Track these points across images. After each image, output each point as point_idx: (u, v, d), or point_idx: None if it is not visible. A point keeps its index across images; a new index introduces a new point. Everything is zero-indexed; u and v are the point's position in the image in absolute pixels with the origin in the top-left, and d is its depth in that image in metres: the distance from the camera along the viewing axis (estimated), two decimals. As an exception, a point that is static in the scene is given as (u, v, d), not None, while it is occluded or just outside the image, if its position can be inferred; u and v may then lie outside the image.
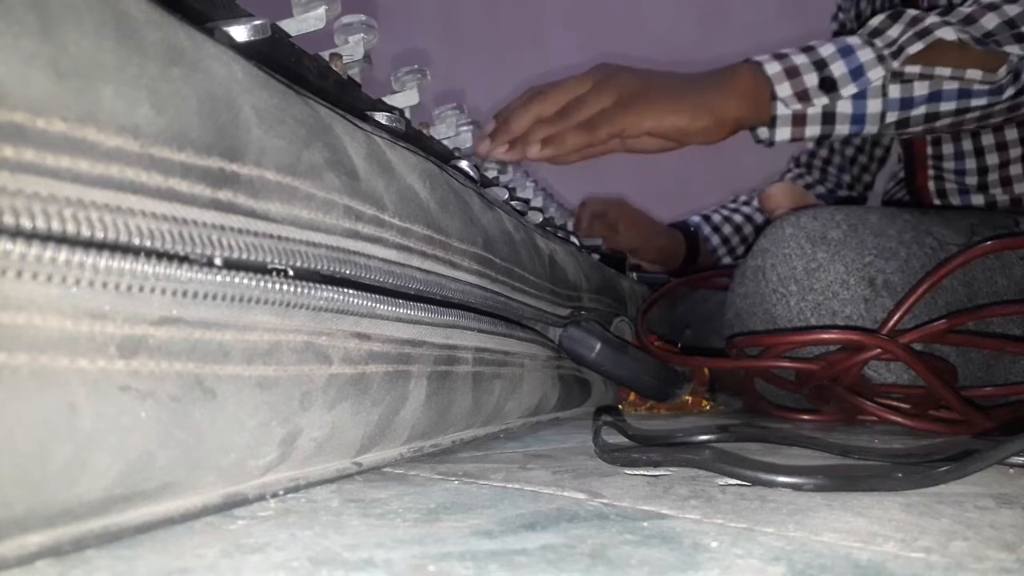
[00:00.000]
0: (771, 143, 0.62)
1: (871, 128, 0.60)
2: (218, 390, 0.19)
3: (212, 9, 0.25)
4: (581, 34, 1.65)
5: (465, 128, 0.46)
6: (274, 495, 0.24)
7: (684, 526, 0.22)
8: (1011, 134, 0.79)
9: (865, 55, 0.58)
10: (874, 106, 0.59)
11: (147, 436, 0.17)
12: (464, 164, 0.41)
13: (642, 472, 0.30)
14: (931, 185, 0.85)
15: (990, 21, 0.58)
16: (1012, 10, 0.59)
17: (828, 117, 0.60)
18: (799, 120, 0.60)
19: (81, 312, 0.16)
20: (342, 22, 0.35)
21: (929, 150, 0.85)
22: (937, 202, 0.85)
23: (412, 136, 0.38)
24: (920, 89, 0.59)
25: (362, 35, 0.35)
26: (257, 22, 0.25)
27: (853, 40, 0.59)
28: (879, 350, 0.47)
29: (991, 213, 0.61)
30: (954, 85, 0.58)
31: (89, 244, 0.16)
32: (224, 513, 0.21)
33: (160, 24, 0.18)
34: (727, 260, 1.01)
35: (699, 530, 0.21)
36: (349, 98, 0.33)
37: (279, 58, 0.28)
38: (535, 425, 0.47)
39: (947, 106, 0.59)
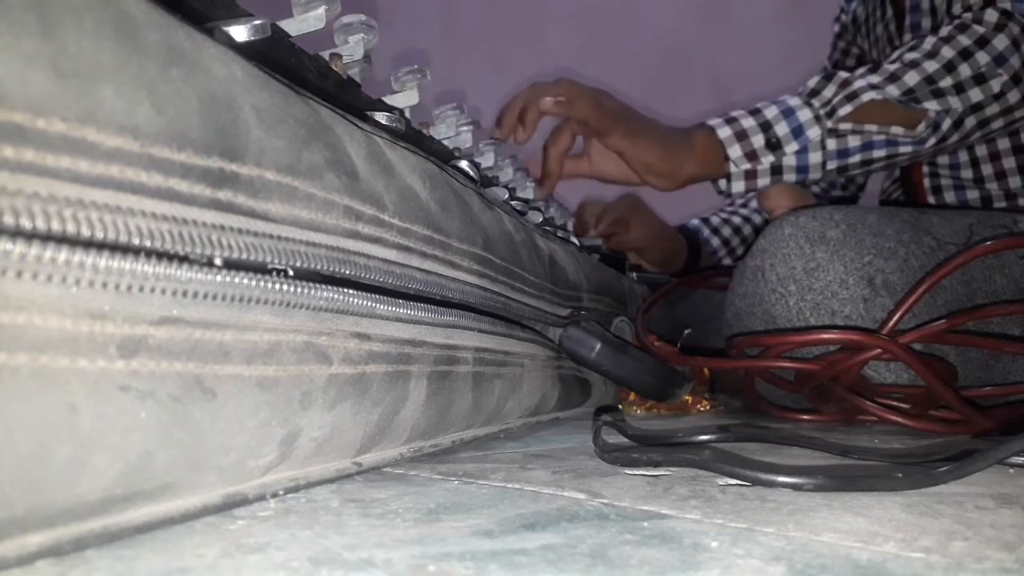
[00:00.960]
0: (728, 195, 0.70)
1: (815, 175, 0.68)
2: (218, 390, 0.19)
3: (212, 9, 0.25)
4: (581, 34, 1.65)
5: (465, 128, 0.46)
6: (274, 495, 0.24)
7: (684, 526, 0.22)
8: (1003, 144, 0.80)
9: (804, 115, 0.67)
10: (815, 158, 0.67)
11: (147, 436, 0.17)
12: (464, 164, 0.41)
13: (642, 472, 0.30)
14: (926, 182, 0.86)
15: (911, 79, 0.67)
16: (931, 67, 0.67)
17: (776, 169, 0.68)
18: (751, 175, 0.68)
19: (81, 312, 0.16)
20: (342, 22, 0.35)
21: None
22: (932, 198, 0.86)
23: (412, 136, 0.38)
24: (853, 141, 0.67)
25: (362, 35, 0.35)
26: (257, 22, 0.25)
27: (793, 101, 0.68)
28: (879, 350, 0.47)
29: (989, 212, 0.62)
30: (881, 137, 0.67)
31: (89, 244, 0.16)
32: (224, 513, 0.21)
33: (160, 24, 0.18)
34: (728, 262, 1.01)
35: (699, 530, 0.21)
36: (349, 98, 0.33)
37: (279, 58, 0.28)
38: (535, 425, 0.47)
39: (879, 153, 0.68)
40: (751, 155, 0.67)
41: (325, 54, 0.33)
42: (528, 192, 0.54)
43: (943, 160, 0.85)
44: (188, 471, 0.19)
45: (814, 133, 0.66)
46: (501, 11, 1.77)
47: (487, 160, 0.49)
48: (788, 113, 0.67)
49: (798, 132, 0.67)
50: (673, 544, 0.20)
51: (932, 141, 0.68)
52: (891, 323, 0.47)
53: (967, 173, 0.83)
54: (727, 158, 0.67)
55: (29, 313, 0.15)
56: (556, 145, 0.68)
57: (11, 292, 0.14)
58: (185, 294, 0.18)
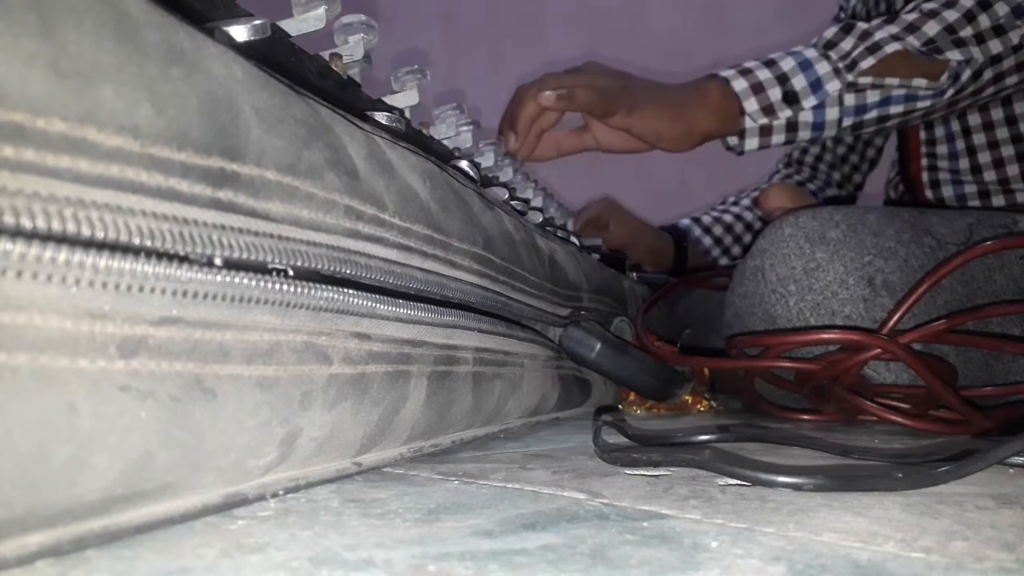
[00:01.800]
0: (740, 152, 0.67)
1: (829, 132, 0.66)
2: (218, 390, 0.19)
3: (212, 9, 0.25)
4: (581, 34, 1.65)
5: (465, 128, 0.46)
6: (274, 495, 0.24)
7: (684, 526, 0.22)
8: (996, 114, 0.80)
9: (822, 68, 0.64)
10: (832, 114, 0.64)
11: (147, 436, 0.17)
12: (464, 164, 0.41)
13: (642, 472, 0.30)
14: (924, 176, 0.86)
15: (931, 28, 0.64)
16: (951, 16, 0.65)
17: (791, 126, 0.65)
18: (766, 131, 0.65)
19: (81, 312, 0.16)
20: (342, 22, 0.35)
21: (922, 135, 0.86)
22: (930, 193, 0.86)
23: (412, 136, 0.38)
24: (872, 97, 0.64)
25: (362, 35, 0.35)
26: (257, 22, 0.25)
27: (810, 53, 0.64)
28: (879, 350, 0.47)
29: (989, 212, 0.62)
30: (901, 92, 0.64)
31: (89, 244, 0.16)
32: (224, 513, 0.21)
33: (160, 24, 0.18)
34: (722, 260, 1.01)
35: (699, 530, 0.21)
36: (349, 98, 0.33)
37: (279, 58, 0.28)
38: (535, 425, 0.47)
39: (896, 109, 0.65)
40: (768, 109, 0.64)
41: (325, 54, 0.33)
42: (528, 192, 0.54)
43: (941, 150, 0.85)
44: (188, 471, 0.19)
45: (833, 87, 0.63)
46: (501, 11, 1.77)
47: (487, 160, 0.49)
48: (805, 66, 0.64)
49: (816, 86, 0.63)
50: (673, 544, 0.20)
51: (950, 93, 0.65)
52: (891, 323, 0.47)
53: (964, 163, 0.83)
54: (743, 112, 0.64)
55: (29, 313, 0.15)
56: (524, 108, 0.64)
57: (11, 292, 0.14)
58: (185, 294, 0.18)
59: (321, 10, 0.30)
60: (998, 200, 0.82)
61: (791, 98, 0.64)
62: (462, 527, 0.21)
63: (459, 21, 1.83)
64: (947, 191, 0.85)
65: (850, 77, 0.63)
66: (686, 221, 1.03)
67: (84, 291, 0.16)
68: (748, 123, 0.65)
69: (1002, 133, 0.81)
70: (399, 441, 0.30)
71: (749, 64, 0.65)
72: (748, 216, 1.02)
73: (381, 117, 0.34)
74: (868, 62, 0.63)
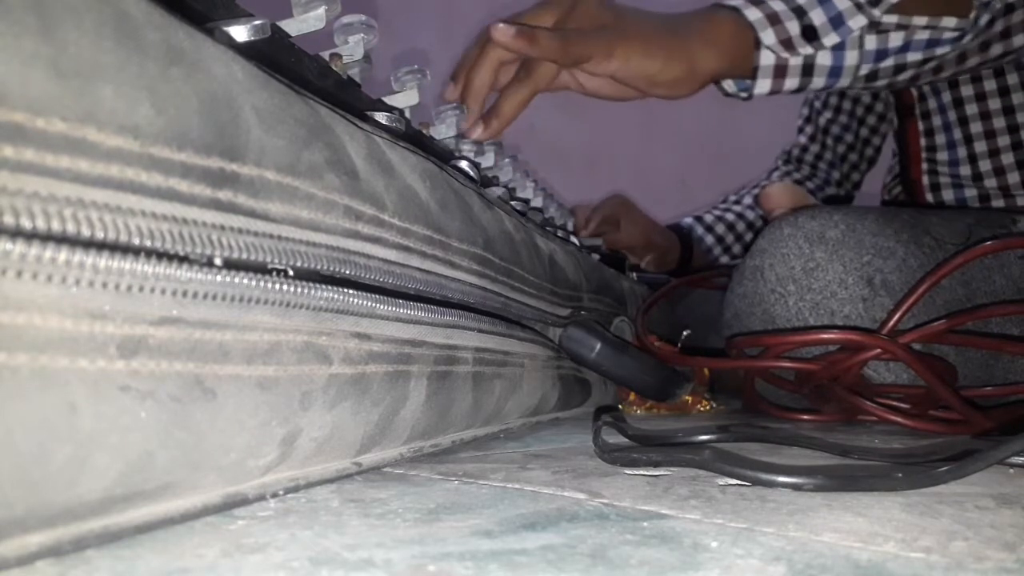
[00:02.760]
0: (749, 96, 0.59)
1: (844, 80, 0.58)
2: (218, 390, 0.19)
3: (212, 9, 0.25)
4: (581, 34, 1.65)
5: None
6: (274, 495, 0.24)
7: (684, 526, 0.22)
8: (999, 122, 0.80)
9: (842, 3, 0.56)
10: (851, 58, 0.57)
11: (147, 436, 0.17)
12: (464, 164, 0.41)
13: (642, 472, 0.30)
14: (925, 179, 0.86)
15: None
16: None
17: (807, 69, 0.57)
18: (780, 72, 0.57)
19: (81, 312, 0.16)
20: (342, 22, 0.35)
21: (922, 142, 0.86)
22: (930, 196, 0.86)
23: (412, 136, 0.38)
24: (894, 40, 0.57)
25: (362, 35, 0.35)
26: (257, 22, 0.25)
27: None
28: (879, 350, 0.47)
29: (988, 212, 0.62)
30: (925, 35, 0.57)
31: (89, 244, 0.16)
32: (224, 513, 0.21)
33: (160, 24, 0.18)
34: (723, 258, 1.01)
35: (699, 530, 0.21)
36: (349, 98, 0.33)
37: (279, 58, 0.28)
38: (535, 425, 0.47)
39: (914, 56, 0.58)
40: (787, 44, 0.55)
41: (325, 54, 0.33)
42: (528, 192, 0.54)
43: (942, 157, 0.85)
44: (188, 471, 0.19)
45: (856, 23, 0.55)
46: (501, 11, 1.77)
47: (487, 160, 0.49)
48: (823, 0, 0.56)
49: (837, 21, 0.55)
50: (673, 544, 0.20)
51: (969, 37, 0.58)
52: (891, 323, 0.47)
53: (965, 170, 0.83)
54: (759, 45, 0.55)
55: (29, 313, 0.15)
56: (514, 98, 0.52)
57: (11, 292, 0.14)
58: (185, 294, 0.18)
59: (321, 10, 0.30)
60: (998, 204, 0.83)
61: (810, 33, 0.55)
62: (462, 527, 0.21)
63: (459, 21, 1.83)
64: (948, 195, 0.85)
65: (876, 12, 0.55)
66: (688, 220, 1.03)
67: (84, 291, 0.16)
68: (764, 59, 0.55)
69: (1004, 141, 0.81)
70: (399, 441, 0.30)
71: None
72: (750, 215, 1.02)
73: (381, 117, 0.34)
74: None
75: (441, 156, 0.40)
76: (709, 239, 1.01)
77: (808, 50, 0.56)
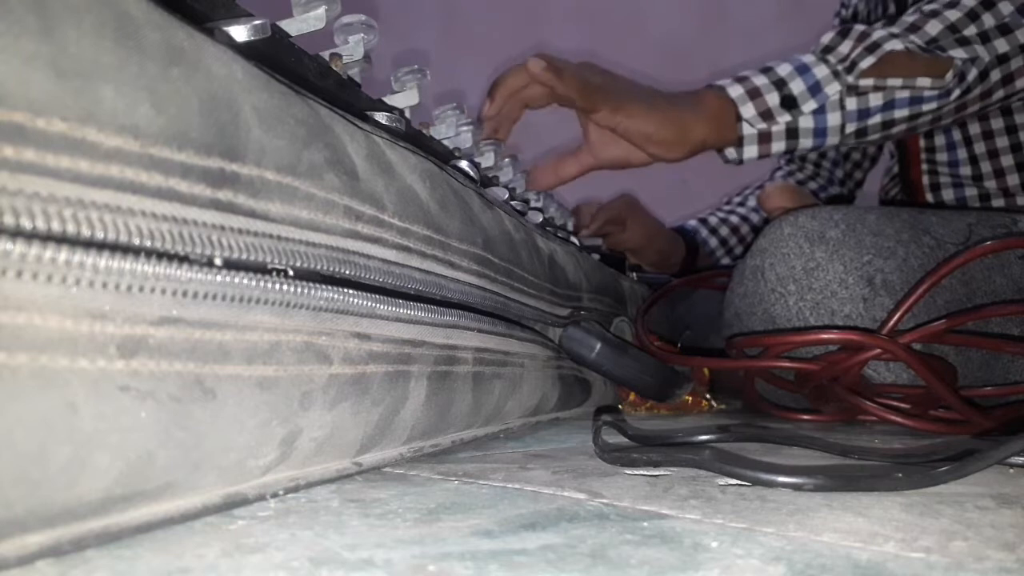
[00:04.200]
0: (740, 161, 0.65)
1: (832, 139, 0.63)
2: (218, 390, 0.19)
3: (212, 9, 0.25)
4: (581, 35, 1.65)
5: (465, 128, 0.46)
6: (274, 495, 0.24)
7: (684, 526, 0.22)
8: (997, 123, 0.80)
9: (820, 72, 0.62)
10: (834, 119, 0.62)
11: (147, 436, 0.17)
12: (464, 164, 0.41)
13: (642, 472, 0.30)
14: (925, 179, 0.86)
15: (933, 28, 0.63)
16: (952, 15, 0.63)
17: (792, 132, 0.63)
18: (764, 138, 0.63)
19: (81, 312, 0.16)
20: (342, 22, 0.35)
21: (922, 142, 0.86)
22: (930, 196, 0.86)
23: (412, 136, 0.38)
24: (875, 100, 0.62)
25: (362, 35, 0.35)
26: (257, 22, 0.25)
27: (807, 58, 0.63)
28: (879, 350, 0.47)
29: (988, 212, 0.62)
30: (905, 94, 0.62)
31: (89, 244, 0.16)
32: (224, 513, 0.21)
33: (160, 24, 0.18)
34: (726, 261, 1.01)
35: (699, 530, 0.21)
36: (349, 98, 0.33)
37: (279, 58, 0.28)
38: (535, 425, 0.47)
39: (900, 113, 0.63)
40: (766, 114, 0.62)
41: (325, 54, 0.33)
42: (528, 192, 0.54)
43: (942, 158, 0.85)
44: (188, 471, 0.19)
45: (832, 90, 0.61)
46: (501, 11, 1.77)
47: (487, 160, 0.49)
48: (803, 70, 0.62)
49: (815, 89, 0.62)
50: (673, 544, 0.20)
51: (957, 93, 0.63)
52: (891, 323, 0.47)
53: (965, 171, 0.83)
54: (739, 118, 0.62)
55: (29, 313, 0.15)
56: (505, 85, 0.62)
57: (11, 292, 0.14)
58: (185, 294, 0.18)
59: (321, 10, 0.30)
60: (999, 204, 0.83)
61: (789, 102, 0.62)
62: (462, 527, 0.21)
63: (459, 21, 1.83)
64: (948, 194, 0.85)
65: (850, 79, 0.61)
66: (693, 223, 1.03)
67: (84, 291, 0.16)
68: (746, 129, 0.63)
69: (1002, 142, 0.81)
70: (399, 441, 0.30)
71: (745, 72, 0.64)
72: (755, 218, 1.02)
73: (381, 117, 0.34)
74: (868, 61, 0.61)
75: (441, 156, 0.40)
76: (713, 242, 1.01)
77: (787, 117, 0.62)
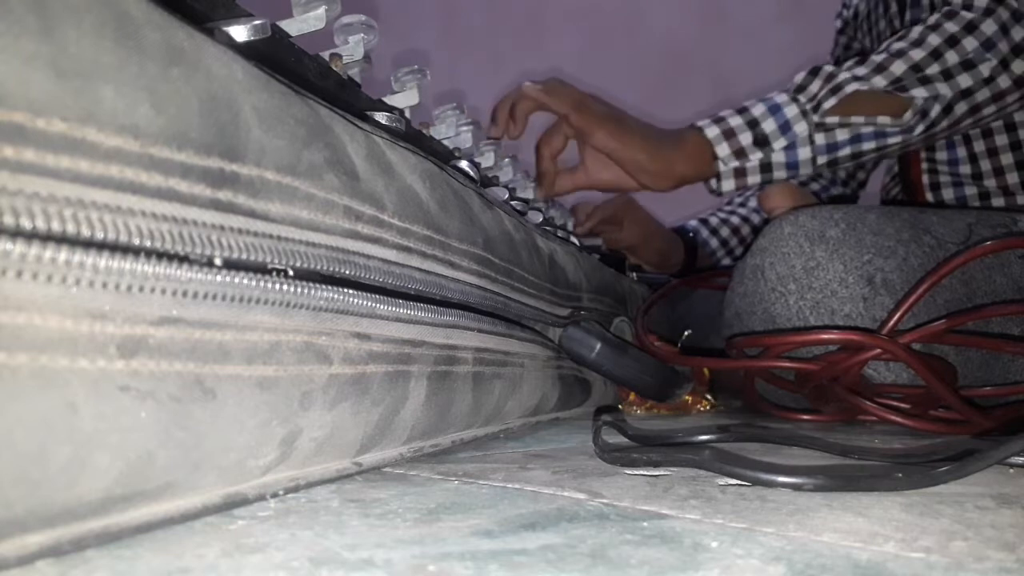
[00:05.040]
0: (719, 193, 0.70)
1: (805, 171, 0.69)
2: (218, 390, 0.19)
3: (212, 9, 0.25)
4: (581, 35, 1.65)
5: (465, 128, 0.46)
6: (274, 495, 0.24)
7: (684, 526, 0.22)
8: (996, 121, 0.80)
9: (790, 111, 0.68)
10: (804, 153, 0.68)
11: (147, 436, 0.17)
12: (464, 164, 0.41)
13: (642, 472, 0.30)
14: (925, 178, 0.86)
15: (898, 68, 0.67)
16: (917, 55, 0.68)
17: (765, 167, 0.68)
18: (740, 173, 0.69)
19: (81, 312, 0.16)
20: (342, 22, 0.35)
21: None
22: (930, 195, 0.86)
23: (412, 136, 0.38)
24: (841, 135, 0.68)
25: (362, 35, 0.35)
26: (257, 22, 0.25)
27: (780, 98, 0.69)
28: (879, 350, 0.47)
29: (988, 211, 0.62)
30: (869, 129, 0.67)
31: (89, 244, 0.16)
32: (224, 513, 0.21)
33: (160, 24, 0.18)
34: (727, 262, 1.01)
35: (699, 530, 0.21)
36: (349, 98, 0.33)
37: (279, 58, 0.28)
38: (535, 425, 0.47)
39: (868, 145, 0.68)
40: (739, 152, 0.68)
41: (325, 54, 0.33)
42: (528, 192, 0.54)
43: (941, 156, 0.85)
44: (188, 471, 0.19)
45: (801, 128, 0.67)
46: (501, 11, 1.77)
47: (487, 160, 0.49)
48: (775, 110, 0.68)
49: (785, 128, 0.67)
50: (673, 544, 0.20)
51: (920, 129, 0.68)
52: (891, 323, 0.47)
53: (965, 169, 0.83)
54: (715, 156, 0.68)
55: (29, 313, 0.15)
56: (548, 144, 0.69)
57: (11, 292, 0.14)
58: (185, 294, 0.18)
59: (321, 10, 0.30)
60: (998, 203, 0.82)
61: (761, 141, 0.67)
62: (462, 527, 0.21)
63: (459, 21, 1.83)
64: (947, 193, 0.85)
65: (816, 118, 0.67)
66: (693, 223, 1.03)
67: (84, 291, 0.16)
68: (722, 167, 0.68)
69: (1001, 140, 0.81)
70: (399, 441, 0.30)
71: (723, 113, 0.69)
72: (756, 219, 1.02)
73: (381, 117, 0.34)
74: (831, 102, 0.66)
75: (441, 156, 0.40)
76: (714, 242, 1.01)
77: (759, 155, 0.68)
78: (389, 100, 0.39)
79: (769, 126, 0.68)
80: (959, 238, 0.53)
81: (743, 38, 1.52)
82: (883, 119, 0.67)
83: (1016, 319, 0.51)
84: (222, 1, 0.25)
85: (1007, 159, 0.81)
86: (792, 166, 0.68)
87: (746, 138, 0.68)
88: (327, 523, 0.21)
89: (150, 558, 0.17)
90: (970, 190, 0.83)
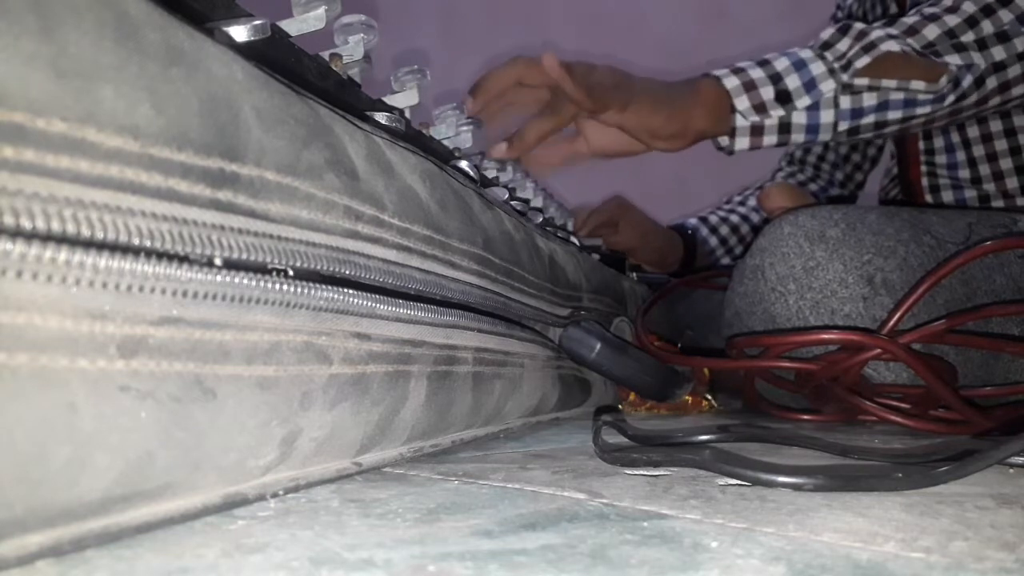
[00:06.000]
0: (731, 152, 0.65)
1: (824, 136, 0.63)
2: (218, 390, 0.19)
3: (212, 9, 0.25)
4: (581, 34, 1.65)
5: (465, 128, 0.46)
6: (274, 495, 0.24)
7: (684, 526, 0.22)
8: (996, 126, 0.80)
9: (816, 68, 0.62)
10: (827, 116, 0.62)
11: (147, 436, 0.17)
12: (464, 164, 0.41)
13: (642, 472, 0.30)
14: (924, 181, 0.86)
15: (931, 32, 0.63)
16: (951, 20, 0.64)
17: (784, 127, 0.63)
18: (757, 131, 0.63)
19: (81, 312, 0.16)
20: (342, 22, 0.35)
21: (921, 144, 0.86)
22: (929, 198, 0.86)
23: (412, 136, 0.38)
24: (869, 100, 0.62)
25: (362, 35, 0.35)
26: (257, 22, 0.25)
27: (805, 53, 0.63)
28: (879, 350, 0.47)
29: (988, 211, 0.62)
30: (899, 96, 0.62)
31: (89, 244, 0.16)
32: (224, 513, 0.21)
33: (160, 24, 0.18)
34: (725, 261, 1.01)
35: (699, 530, 0.21)
36: (349, 98, 0.33)
37: (279, 58, 0.28)
38: (535, 425, 0.47)
39: (894, 115, 0.63)
40: (759, 107, 0.62)
41: (325, 54, 0.33)
42: (528, 192, 0.54)
43: (940, 160, 0.84)
44: (188, 471, 0.19)
45: (827, 87, 0.62)
46: (501, 11, 1.77)
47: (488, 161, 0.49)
48: (799, 65, 0.62)
49: (810, 86, 0.62)
50: (673, 544, 0.20)
51: (951, 99, 0.63)
52: (891, 323, 0.47)
53: (964, 173, 0.83)
54: (734, 109, 0.63)
55: (29, 313, 0.15)
56: (538, 127, 0.60)
57: (11, 292, 0.14)
58: (185, 294, 0.18)
59: (321, 10, 0.30)
60: (998, 205, 0.82)
61: (783, 97, 0.62)
62: (462, 527, 0.21)
63: (459, 21, 1.83)
64: (947, 196, 0.85)
65: (845, 77, 0.62)
66: (693, 221, 1.03)
67: (84, 291, 0.16)
68: (739, 121, 0.63)
69: (1001, 145, 0.81)
70: (399, 441, 0.30)
71: (742, 64, 0.64)
72: (755, 218, 1.02)
73: (381, 117, 0.34)
74: (863, 61, 0.61)
75: (441, 156, 0.40)
76: (713, 241, 1.01)
77: (780, 112, 0.62)
78: (389, 100, 0.39)
79: (793, 82, 0.62)
80: (959, 238, 0.53)
81: (743, 38, 1.52)
82: (916, 84, 0.61)
83: (1016, 319, 0.51)
84: (222, 1, 0.25)
85: (1007, 164, 0.80)
86: (812, 129, 0.63)
87: (767, 92, 0.62)
88: (327, 523, 0.21)
89: (150, 558, 0.17)
90: (969, 193, 0.83)
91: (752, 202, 1.04)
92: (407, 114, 0.39)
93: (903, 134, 0.69)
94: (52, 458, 0.15)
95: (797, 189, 0.66)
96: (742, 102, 0.62)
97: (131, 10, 0.17)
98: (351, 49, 0.35)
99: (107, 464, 0.16)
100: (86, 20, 0.16)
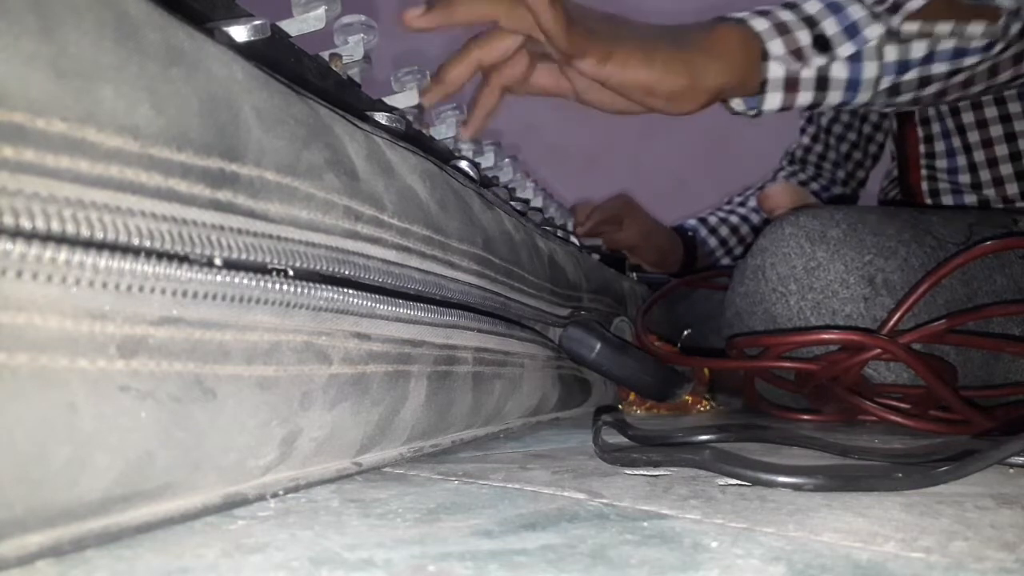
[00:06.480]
0: (758, 112, 0.54)
1: (864, 96, 0.54)
2: (218, 390, 0.19)
3: (212, 9, 0.25)
4: (581, 34, 1.65)
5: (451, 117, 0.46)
6: (274, 495, 0.24)
7: (684, 526, 0.22)
8: (996, 131, 0.80)
9: (856, 11, 0.51)
10: (870, 70, 0.52)
11: (147, 436, 0.17)
12: (464, 164, 0.41)
13: (642, 472, 0.30)
14: (924, 185, 0.85)
15: None
16: None
17: (822, 82, 0.52)
18: (792, 85, 0.52)
19: (81, 312, 0.16)
20: (342, 22, 0.35)
21: (921, 148, 0.85)
22: (929, 202, 0.86)
23: (412, 136, 0.38)
24: (917, 50, 0.52)
25: (362, 35, 0.35)
26: (257, 22, 0.25)
27: None
28: (879, 350, 0.47)
29: (989, 212, 0.62)
30: (950, 44, 0.52)
31: (89, 244, 0.16)
32: (224, 513, 0.21)
33: (160, 24, 0.18)
34: (725, 261, 1.01)
35: (699, 530, 0.21)
36: (349, 98, 0.33)
37: (279, 58, 0.28)
38: (535, 425, 0.47)
39: (939, 68, 0.54)
40: (797, 54, 0.50)
41: (325, 54, 0.33)
42: (528, 192, 0.54)
43: (941, 164, 0.84)
44: (188, 471, 0.19)
45: (872, 33, 0.51)
46: (501, 11, 1.76)
47: (487, 160, 0.49)
48: (835, 8, 0.51)
49: (852, 31, 0.51)
50: (673, 544, 0.20)
51: (999, 47, 0.53)
52: (891, 323, 0.47)
53: (964, 178, 0.83)
54: (766, 56, 0.50)
55: (29, 313, 0.15)
56: (502, 73, 0.48)
57: (11, 292, 0.14)
58: (185, 294, 0.18)
59: (321, 10, 0.30)
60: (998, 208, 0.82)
61: (822, 43, 0.51)
62: (462, 527, 0.21)
63: (459, 21, 1.83)
64: (947, 200, 0.84)
65: (895, 20, 0.50)
66: (692, 222, 1.03)
67: (84, 291, 0.16)
68: (773, 71, 0.51)
69: (1001, 151, 0.80)
70: (399, 441, 0.30)
71: (764, 7, 0.52)
72: (755, 218, 1.02)
73: (381, 117, 0.34)
74: (916, 3, 0.50)
75: (441, 156, 0.40)
76: (712, 241, 1.01)
77: (821, 61, 0.51)
78: (389, 100, 0.39)
79: (831, 27, 0.50)
80: (960, 238, 0.53)
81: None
82: (974, 28, 0.51)
83: (1017, 319, 0.51)
84: (222, 1, 0.25)
85: (1007, 169, 0.80)
86: (852, 86, 0.52)
87: (804, 37, 0.50)
88: (327, 523, 0.21)
89: (150, 558, 0.17)
90: (969, 198, 0.83)
91: (752, 203, 1.04)
92: (407, 114, 0.39)
93: (936, 101, 0.59)
94: (52, 458, 0.15)
95: (798, 189, 0.66)
96: (777, 46, 0.50)
97: (131, 10, 0.17)
98: (351, 49, 0.35)
99: (107, 464, 0.16)
100: (86, 20, 0.16)
